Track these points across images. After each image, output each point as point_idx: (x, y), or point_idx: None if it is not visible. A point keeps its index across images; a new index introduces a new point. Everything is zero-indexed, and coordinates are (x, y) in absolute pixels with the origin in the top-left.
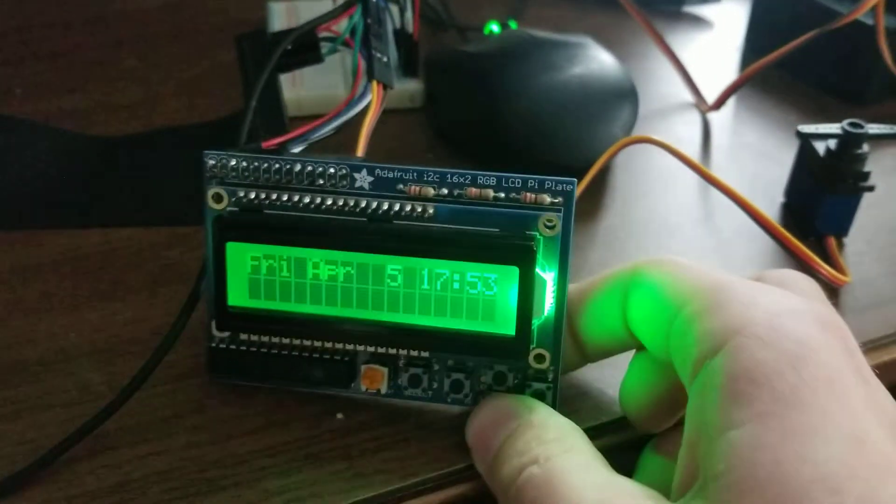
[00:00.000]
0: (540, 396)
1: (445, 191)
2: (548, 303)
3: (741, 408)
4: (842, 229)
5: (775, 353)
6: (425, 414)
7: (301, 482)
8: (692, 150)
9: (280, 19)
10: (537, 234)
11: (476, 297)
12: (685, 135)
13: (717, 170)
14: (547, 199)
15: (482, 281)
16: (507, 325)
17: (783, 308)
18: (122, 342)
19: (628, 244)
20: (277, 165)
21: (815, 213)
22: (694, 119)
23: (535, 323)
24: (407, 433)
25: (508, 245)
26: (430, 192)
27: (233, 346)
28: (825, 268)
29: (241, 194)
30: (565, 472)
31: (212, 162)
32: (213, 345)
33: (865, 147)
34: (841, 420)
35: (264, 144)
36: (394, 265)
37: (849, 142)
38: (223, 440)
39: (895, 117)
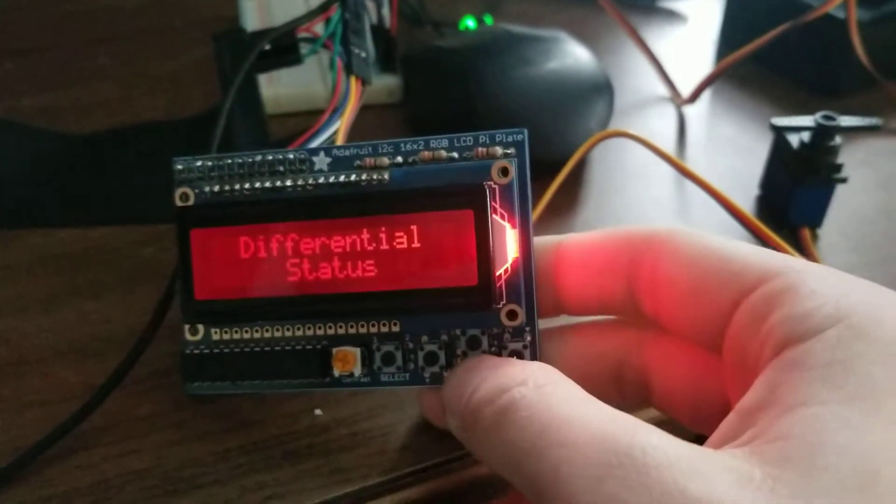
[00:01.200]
0: (518, 357)
1: (400, 159)
2: (511, 253)
3: (831, 390)
4: (815, 221)
5: (877, 346)
6: (405, 409)
7: (280, 479)
8: (668, 144)
9: (252, 16)
10: (492, 183)
11: (436, 250)
12: (660, 128)
13: (693, 163)
14: (499, 150)
15: (439, 232)
16: (468, 276)
17: (882, 299)
18: (98, 341)
19: None
20: (240, 160)
21: (789, 204)
22: (669, 112)
23: (502, 277)
24: (386, 428)
25: (459, 190)
26: (385, 161)
27: (206, 350)
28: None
29: (206, 189)
30: (566, 401)
31: (179, 167)
32: (187, 351)
33: (838, 139)
34: None
35: None
36: (350, 229)
37: (821, 134)
38: (201, 438)
39: (868, 108)
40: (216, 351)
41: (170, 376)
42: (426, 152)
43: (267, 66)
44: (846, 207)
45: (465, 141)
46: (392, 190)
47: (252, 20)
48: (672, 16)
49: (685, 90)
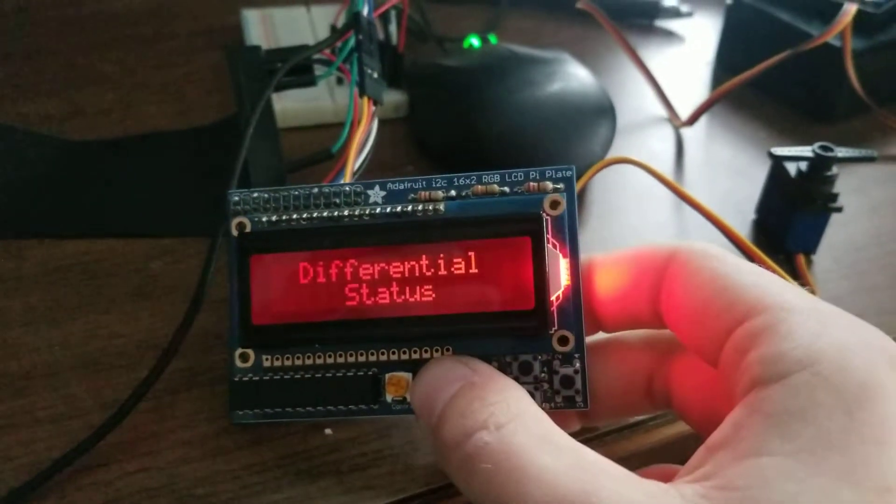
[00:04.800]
0: (569, 382)
1: (454, 192)
2: (563, 280)
3: (783, 441)
4: (810, 247)
5: (836, 396)
6: (414, 430)
7: (292, 498)
8: (666, 166)
9: (255, 27)
10: (545, 214)
11: (493, 275)
12: (659, 150)
13: (691, 186)
14: (549, 185)
15: (496, 258)
16: (525, 301)
17: (854, 342)
18: (108, 356)
19: None
20: (297, 192)
21: (785, 231)
22: (667, 134)
23: (554, 303)
24: (396, 449)
25: (517, 217)
26: (440, 194)
27: (255, 378)
28: (787, 279)
29: (263, 219)
30: (525, 448)
31: (236, 198)
32: (236, 378)
33: (835, 169)
34: (880, 468)
35: None
36: (409, 255)
37: (819, 164)
38: (213, 456)
39: (861, 135)
40: (266, 378)
41: (182, 393)
42: (479, 186)
43: (281, 86)
44: (839, 234)
45: (516, 176)
46: (450, 218)
47: (256, 32)
48: (669, 36)
49: (682, 110)
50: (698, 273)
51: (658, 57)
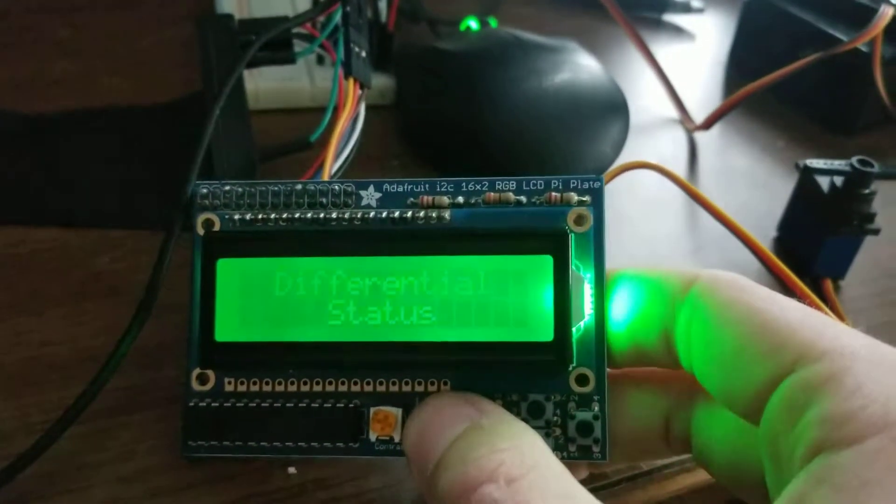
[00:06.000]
0: (586, 429)
1: (461, 199)
2: (587, 309)
3: None
4: (840, 272)
5: None
6: (391, 471)
7: None
8: (679, 172)
9: None
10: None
11: (505, 299)
12: (671, 155)
13: (707, 196)
14: (574, 197)
15: (511, 279)
16: (542, 331)
17: None
18: (39, 367)
19: None
20: (276, 188)
21: (813, 252)
22: (680, 138)
23: (575, 335)
24: (372, 494)
25: (539, 233)
26: (445, 201)
27: (215, 404)
28: (830, 315)
29: (236, 217)
30: (543, 499)
31: (204, 191)
32: (191, 403)
33: (873, 186)
34: None
35: None
36: (408, 270)
37: (856, 180)
38: (151, 496)
39: (882, 149)
40: (227, 405)
41: (121, 416)
42: (491, 194)
43: (254, 62)
44: (867, 257)
45: (535, 185)
46: (457, 227)
47: (228, 2)
48: (678, 32)
49: (693, 111)
50: (730, 307)
51: (666, 53)
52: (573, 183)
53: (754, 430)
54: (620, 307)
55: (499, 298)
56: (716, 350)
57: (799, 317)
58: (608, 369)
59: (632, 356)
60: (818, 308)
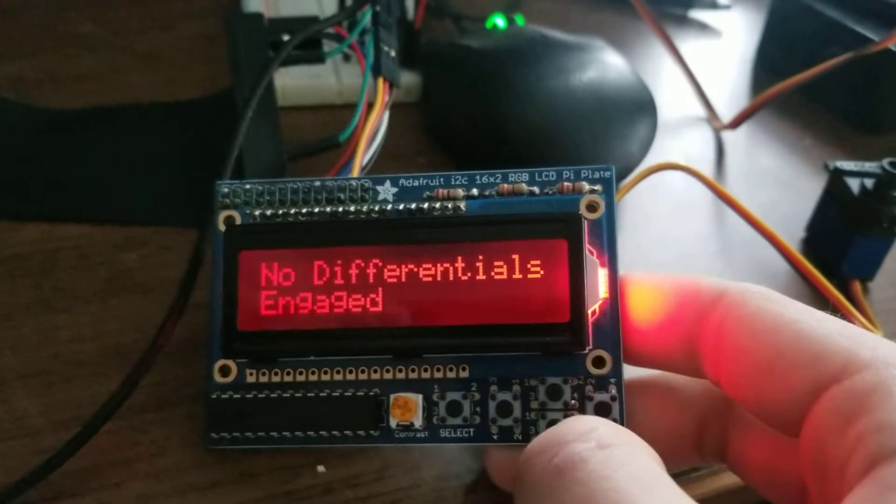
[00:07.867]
0: (604, 410)
1: (475, 191)
2: (601, 293)
3: None
4: (869, 273)
5: None
6: (420, 470)
7: None
8: (706, 172)
9: None
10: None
11: (521, 284)
12: (698, 154)
13: (734, 196)
14: (586, 186)
15: (528, 264)
16: (558, 312)
17: None
18: (65, 364)
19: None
20: (295, 186)
21: (841, 254)
22: (707, 136)
23: (589, 318)
24: (398, 493)
25: (553, 217)
26: (460, 193)
27: (236, 395)
28: (859, 318)
29: (256, 213)
30: (632, 479)
31: (225, 190)
32: (214, 395)
33: None
34: None
35: None
36: (424, 259)
37: (888, 182)
38: (184, 493)
39: None
40: (249, 396)
41: (150, 413)
42: (504, 185)
43: (284, 62)
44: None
45: (547, 175)
46: (471, 216)
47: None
48: (704, 29)
49: (720, 110)
50: (764, 317)
51: (692, 51)
52: (584, 173)
53: (791, 440)
54: (651, 309)
55: (515, 281)
56: (750, 360)
57: (837, 328)
58: (646, 370)
59: (654, 357)
60: (846, 310)
